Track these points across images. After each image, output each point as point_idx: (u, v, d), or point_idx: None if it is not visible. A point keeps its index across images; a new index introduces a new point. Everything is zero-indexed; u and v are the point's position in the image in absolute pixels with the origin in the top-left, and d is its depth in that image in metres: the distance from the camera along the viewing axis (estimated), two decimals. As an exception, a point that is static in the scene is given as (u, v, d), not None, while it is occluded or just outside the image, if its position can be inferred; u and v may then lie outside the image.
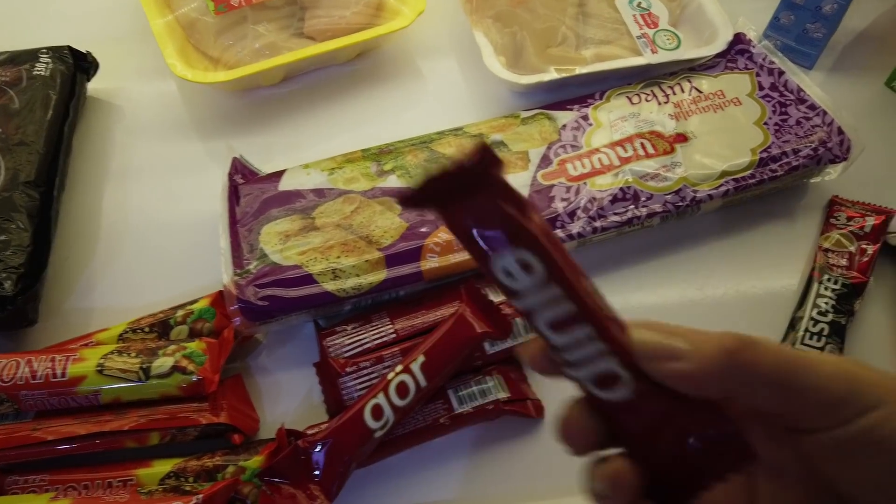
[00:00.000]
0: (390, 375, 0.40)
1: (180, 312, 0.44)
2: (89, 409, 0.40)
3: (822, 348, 0.44)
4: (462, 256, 0.45)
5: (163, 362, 0.40)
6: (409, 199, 0.20)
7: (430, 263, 0.45)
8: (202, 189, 0.52)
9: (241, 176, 0.50)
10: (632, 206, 0.47)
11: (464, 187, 0.20)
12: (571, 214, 0.47)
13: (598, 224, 0.47)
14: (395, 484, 0.41)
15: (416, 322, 0.44)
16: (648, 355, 0.22)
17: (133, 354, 0.41)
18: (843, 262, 0.48)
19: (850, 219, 0.50)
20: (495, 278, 0.22)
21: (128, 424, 0.39)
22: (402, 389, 0.40)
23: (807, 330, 0.45)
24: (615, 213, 0.47)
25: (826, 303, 0.46)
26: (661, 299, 0.48)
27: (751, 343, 0.22)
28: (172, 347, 0.41)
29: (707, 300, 0.48)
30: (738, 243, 0.50)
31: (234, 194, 0.49)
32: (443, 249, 0.45)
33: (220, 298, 0.45)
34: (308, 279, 0.44)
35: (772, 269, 0.49)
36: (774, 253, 0.50)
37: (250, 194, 0.48)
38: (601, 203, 0.47)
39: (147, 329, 0.44)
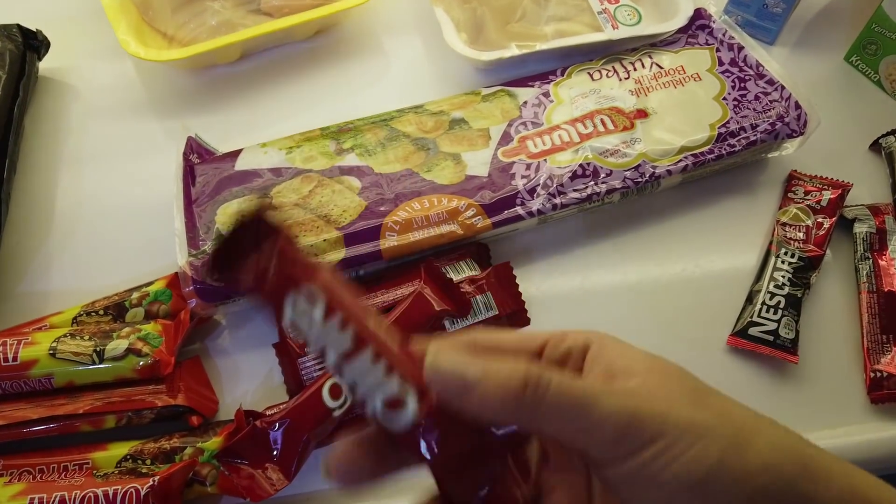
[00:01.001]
0: (348, 354, 0.40)
1: (136, 294, 0.44)
2: (43, 393, 0.40)
3: (778, 321, 0.44)
4: (422, 235, 0.45)
5: (117, 344, 0.40)
6: (211, 271, 0.22)
7: (389, 242, 0.45)
8: (159, 170, 0.51)
9: (197, 156, 0.49)
10: (591, 183, 0.47)
11: (250, 245, 0.22)
12: (531, 191, 0.47)
13: (557, 201, 0.47)
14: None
15: (377, 301, 0.44)
16: (439, 384, 0.22)
17: (86, 338, 0.40)
18: (801, 235, 0.48)
19: (807, 193, 0.50)
20: (287, 319, 0.22)
21: (82, 408, 0.39)
22: (360, 368, 0.39)
23: (763, 303, 0.45)
24: (575, 190, 0.47)
25: (783, 276, 0.46)
26: (622, 276, 0.48)
27: (538, 379, 0.22)
28: (127, 329, 0.41)
29: (667, 276, 0.48)
30: (698, 219, 0.51)
31: (189, 174, 0.48)
32: (402, 228, 0.45)
33: (176, 280, 0.44)
34: (265, 259, 0.43)
35: (731, 243, 0.50)
36: (733, 228, 0.50)
37: (206, 174, 0.48)
38: (561, 180, 0.47)
39: (102, 312, 0.43)
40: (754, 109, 0.50)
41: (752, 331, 0.44)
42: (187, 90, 0.57)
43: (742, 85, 0.51)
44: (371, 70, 0.59)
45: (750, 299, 0.46)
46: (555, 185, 0.47)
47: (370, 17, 0.61)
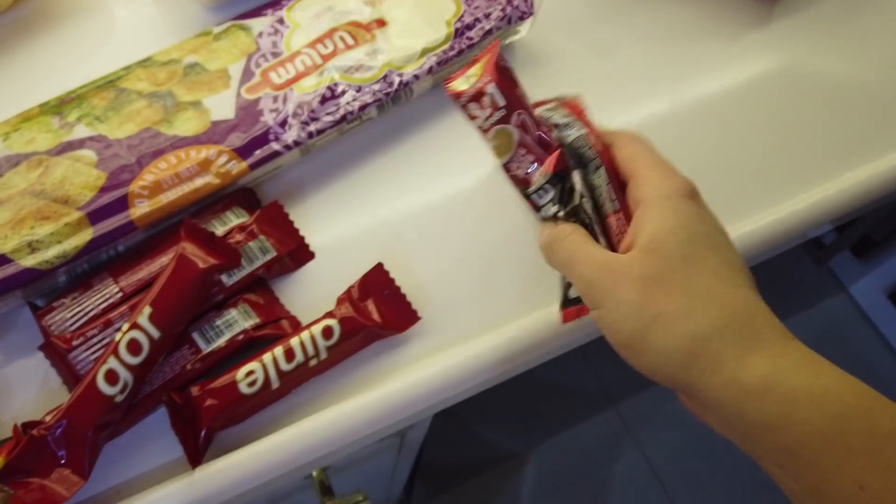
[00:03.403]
0: (118, 336, 0.38)
1: None
2: None
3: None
4: (175, 194, 0.43)
5: None
6: None
7: (140, 209, 0.42)
8: None
9: None
10: (344, 103, 0.47)
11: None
12: (283, 124, 0.45)
13: (312, 128, 0.46)
14: (162, 441, 0.40)
15: (142, 274, 0.42)
16: None
17: None
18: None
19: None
20: None
21: None
22: (133, 347, 0.37)
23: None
24: (327, 114, 0.46)
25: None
26: (400, 193, 0.48)
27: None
28: None
29: (440, 185, 0.49)
30: (457, 122, 0.52)
31: None
32: (151, 191, 0.42)
33: None
34: (2, 260, 0.39)
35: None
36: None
37: (-88, 183, 0.42)
38: (311, 106, 0.46)
39: None
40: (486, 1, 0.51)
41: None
42: None
43: (469, -24, 0.52)
44: (92, 31, 0.53)
45: None
46: (306, 113, 0.46)
47: (76, -29, 0.55)
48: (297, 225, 0.46)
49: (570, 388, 1.34)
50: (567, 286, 0.38)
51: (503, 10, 0.50)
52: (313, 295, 0.44)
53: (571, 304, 0.38)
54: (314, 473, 0.54)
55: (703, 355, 0.30)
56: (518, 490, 1.26)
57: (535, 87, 0.40)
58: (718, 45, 0.56)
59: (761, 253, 0.48)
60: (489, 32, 0.50)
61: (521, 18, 0.51)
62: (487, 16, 0.50)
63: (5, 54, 0.52)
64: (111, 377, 0.37)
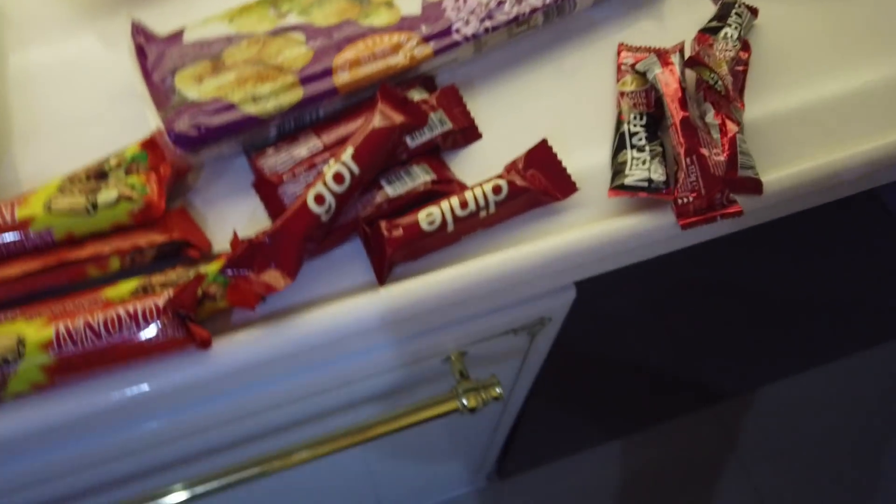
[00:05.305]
0: (325, 168, 0.44)
1: (113, 160, 0.46)
2: (45, 248, 0.42)
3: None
4: (370, 69, 0.49)
5: (108, 194, 0.43)
6: None
7: (342, 78, 0.48)
8: (107, 67, 0.53)
9: (143, 37, 0.52)
10: (516, 6, 0.52)
11: None
12: (463, 20, 0.51)
13: (488, 24, 0.51)
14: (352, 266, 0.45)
15: (341, 132, 0.48)
16: None
17: (77, 192, 0.43)
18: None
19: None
20: None
21: (86, 253, 0.42)
22: (338, 178, 0.43)
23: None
24: (502, 13, 0.52)
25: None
26: (553, 89, 0.53)
27: None
28: (114, 180, 0.43)
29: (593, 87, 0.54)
30: (612, 39, 0.56)
31: (141, 53, 0.50)
32: (352, 65, 0.49)
33: (149, 142, 0.47)
34: (230, 107, 0.47)
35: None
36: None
37: (156, 51, 0.50)
38: (489, 6, 0.52)
39: (84, 178, 0.45)
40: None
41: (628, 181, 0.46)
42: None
43: None
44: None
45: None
46: (484, 11, 0.52)
47: None
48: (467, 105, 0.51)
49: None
50: (616, 172, 0.47)
51: (664, -65, 0.55)
52: (479, 169, 0.49)
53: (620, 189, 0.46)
54: (452, 357, 0.58)
55: None
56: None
57: None
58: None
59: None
60: (650, -45, 0.55)
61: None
62: (649, -60, 0.55)
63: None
64: (319, 199, 0.43)
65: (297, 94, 0.48)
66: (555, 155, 0.48)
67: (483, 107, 0.52)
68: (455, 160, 0.50)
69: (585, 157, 0.50)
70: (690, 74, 0.51)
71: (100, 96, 0.52)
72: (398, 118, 0.46)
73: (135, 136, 0.47)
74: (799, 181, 0.49)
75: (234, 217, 0.47)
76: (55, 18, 0.57)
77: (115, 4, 0.57)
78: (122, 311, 0.39)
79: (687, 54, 0.51)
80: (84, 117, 0.51)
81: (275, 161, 0.47)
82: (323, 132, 0.48)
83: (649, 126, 0.49)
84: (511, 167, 0.47)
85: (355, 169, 0.44)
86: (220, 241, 0.46)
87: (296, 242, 0.42)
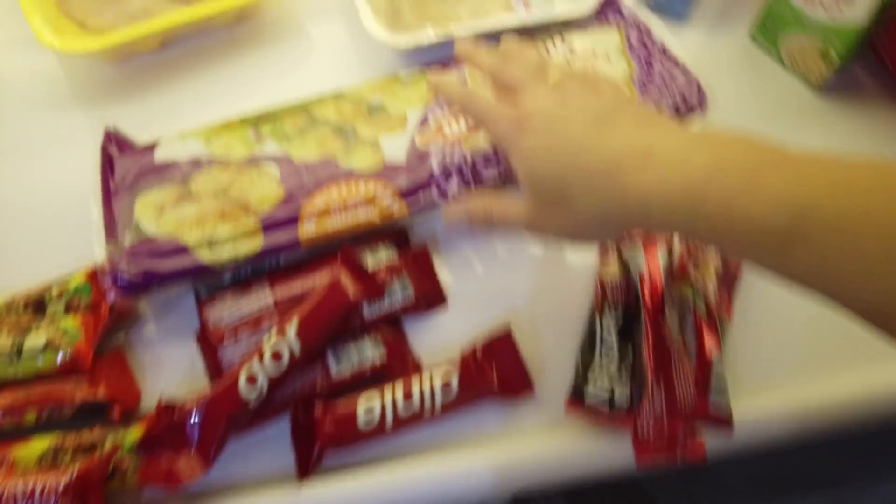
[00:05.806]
0: (265, 340, 0.41)
1: (55, 290, 0.44)
2: (-39, 392, 0.40)
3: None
4: (339, 222, 0.46)
5: (36, 339, 0.41)
6: None
7: (307, 230, 0.46)
8: (78, 164, 0.51)
9: (117, 147, 0.49)
10: (503, 166, 0.49)
11: None
12: (447, 175, 0.48)
13: (471, 182, 0.48)
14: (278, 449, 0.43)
15: (295, 288, 0.45)
16: None
17: (5, 331, 0.41)
18: None
19: None
20: None
21: (2, 405, 0.40)
22: (276, 356, 0.41)
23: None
24: (488, 172, 0.49)
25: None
26: (531, 251, 0.50)
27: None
28: (45, 322, 0.41)
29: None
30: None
31: (108, 167, 0.48)
32: (320, 215, 0.46)
33: (95, 273, 0.45)
34: (182, 251, 0.44)
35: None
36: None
37: (125, 166, 0.48)
38: (475, 162, 0.49)
39: (21, 307, 0.43)
40: (659, 90, 0.52)
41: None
42: (108, 80, 0.57)
43: (648, 65, 0.53)
44: (294, 56, 0.59)
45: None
46: (469, 169, 0.48)
47: (290, 3, 0.61)
48: (436, 269, 0.48)
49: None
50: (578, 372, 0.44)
51: (675, 105, 0.51)
52: (439, 340, 0.46)
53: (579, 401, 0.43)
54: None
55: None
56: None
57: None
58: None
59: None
60: (659, 123, 0.51)
61: (690, 111, 0.51)
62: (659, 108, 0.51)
63: (219, 61, 0.58)
64: (251, 380, 0.40)
65: (256, 244, 0.45)
66: (517, 350, 0.45)
67: (455, 264, 0.49)
68: (415, 326, 0.47)
69: (550, 341, 0.46)
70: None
71: (69, 192, 0.50)
72: (353, 290, 0.43)
73: (89, 250, 0.45)
74: (776, 412, 0.45)
75: (172, 364, 0.45)
76: (46, 94, 0.55)
77: (106, 94, 0.56)
78: (21, 488, 0.37)
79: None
80: (44, 219, 0.50)
81: (220, 314, 0.44)
82: (277, 284, 0.45)
83: (625, 320, 0.45)
84: (469, 355, 0.44)
85: (296, 348, 0.41)
86: (152, 389, 0.44)
87: (218, 428, 0.39)
